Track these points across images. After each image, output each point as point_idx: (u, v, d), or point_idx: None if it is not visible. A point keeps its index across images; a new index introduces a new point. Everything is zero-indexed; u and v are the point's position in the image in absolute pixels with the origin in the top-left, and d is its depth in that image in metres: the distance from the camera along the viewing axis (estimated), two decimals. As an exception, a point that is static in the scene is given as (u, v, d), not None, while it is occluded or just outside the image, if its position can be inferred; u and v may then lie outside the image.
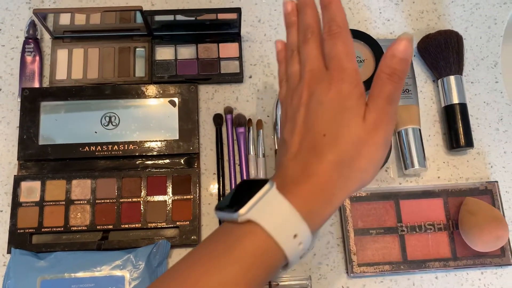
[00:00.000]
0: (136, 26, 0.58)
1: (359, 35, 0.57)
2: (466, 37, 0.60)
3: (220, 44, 0.58)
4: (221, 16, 0.56)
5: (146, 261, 0.49)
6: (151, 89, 0.55)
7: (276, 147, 0.54)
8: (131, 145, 0.53)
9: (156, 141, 0.54)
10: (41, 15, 0.54)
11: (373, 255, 0.51)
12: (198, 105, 0.56)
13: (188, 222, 0.51)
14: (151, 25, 0.56)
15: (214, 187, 0.54)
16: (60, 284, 0.48)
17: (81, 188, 0.52)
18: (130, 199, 0.52)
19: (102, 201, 0.52)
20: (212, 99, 0.57)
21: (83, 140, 0.53)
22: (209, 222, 0.53)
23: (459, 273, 0.52)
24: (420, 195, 0.53)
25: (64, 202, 0.52)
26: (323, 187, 0.33)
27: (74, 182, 0.52)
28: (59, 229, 0.51)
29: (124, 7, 0.59)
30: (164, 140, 0.54)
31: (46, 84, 0.57)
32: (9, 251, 0.50)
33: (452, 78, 0.56)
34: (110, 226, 0.51)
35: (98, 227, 0.51)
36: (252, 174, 0.54)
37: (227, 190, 0.54)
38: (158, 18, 0.55)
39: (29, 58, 0.57)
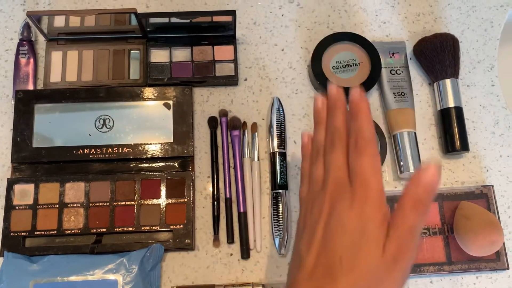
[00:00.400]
0: (131, 29, 0.57)
1: (354, 38, 0.57)
2: (462, 40, 0.60)
3: (215, 47, 0.58)
4: (216, 18, 0.55)
5: (139, 265, 0.48)
6: (146, 92, 0.55)
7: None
8: (125, 148, 0.53)
9: (151, 144, 0.53)
10: (35, 17, 0.53)
11: (368, 259, 0.51)
12: (192, 107, 0.56)
13: (182, 226, 0.51)
14: (145, 27, 0.56)
15: (208, 191, 0.54)
16: (53, 288, 0.47)
17: (74, 191, 0.52)
18: (124, 203, 0.52)
19: (96, 204, 0.52)
20: (207, 101, 0.57)
21: (77, 143, 0.53)
22: (203, 225, 0.53)
23: (454, 277, 0.52)
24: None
25: (57, 205, 0.52)
26: None
27: (68, 185, 0.52)
28: (53, 232, 0.51)
29: (118, 9, 0.59)
30: (159, 143, 0.53)
31: (40, 86, 0.57)
32: (1, 255, 0.49)
33: (448, 81, 0.56)
34: (104, 230, 0.51)
35: (91, 231, 0.51)
36: (247, 178, 0.53)
37: (221, 194, 0.53)
38: (152, 20, 0.55)
39: (23, 60, 0.57)
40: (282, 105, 0.55)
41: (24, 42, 0.57)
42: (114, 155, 0.53)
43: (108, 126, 0.54)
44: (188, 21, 0.55)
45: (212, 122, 0.55)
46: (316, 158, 0.38)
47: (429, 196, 0.32)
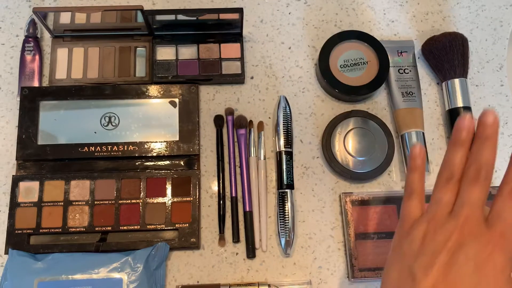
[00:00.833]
0: (137, 26, 0.57)
1: (362, 37, 0.57)
2: (471, 39, 0.59)
3: (222, 45, 0.57)
4: (223, 16, 0.55)
5: (144, 264, 0.48)
6: (152, 89, 0.55)
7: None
8: (130, 146, 0.53)
9: (156, 142, 0.53)
10: (41, 13, 0.53)
11: (375, 260, 0.50)
12: (198, 106, 0.55)
13: (187, 224, 0.51)
14: (152, 24, 0.55)
15: (214, 189, 0.53)
16: (57, 286, 0.47)
17: (79, 189, 0.52)
18: (129, 201, 0.52)
19: (101, 202, 0.51)
20: (213, 100, 0.57)
21: (82, 140, 0.53)
22: (208, 224, 0.52)
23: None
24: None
25: (62, 203, 0.51)
26: None
27: (73, 182, 0.52)
28: (57, 230, 0.50)
29: (125, 6, 0.59)
30: (164, 141, 0.53)
31: (45, 83, 0.56)
32: (6, 252, 0.49)
33: (456, 81, 0.55)
34: (109, 228, 0.51)
35: (96, 229, 0.51)
36: (253, 177, 0.53)
37: (227, 193, 0.53)
38: (159, 17, 0.55)
39: (28, 57, 0.56)
40: (289, 104, 0.55)
41: (30, 39, 0.57)
42: (120, 153, 0.52)
43: (113, 124, 0.54)
44: (195, 18, 0.55)
45: (218, 121, 0.55)
46: (448, 182, 0.36)
47: None
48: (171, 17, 0.55)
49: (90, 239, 0.50)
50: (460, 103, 0.55)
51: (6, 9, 0.59)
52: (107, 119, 0.54)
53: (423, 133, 0.54)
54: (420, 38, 0.59)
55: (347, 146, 0.53)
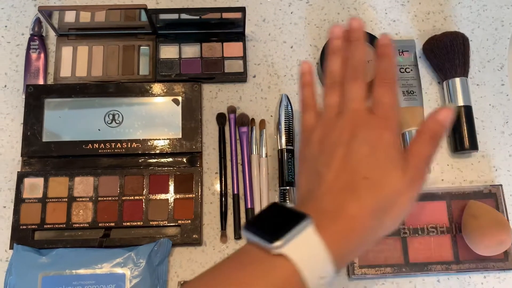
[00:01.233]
0: (141, 24, 0.58)
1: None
2: (473, 38, 0.60)
3: (224, 43, 0.58)
4: (226, 15, 0.56)
5: (147, 259, 0.49)
6: (155, 88, 0.55)
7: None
8: (134, 143, 0.53)
9: (159, 139, 0.54)
10: (46, 12, 0.54)
11: (375, 257, 0.51)
12: (201, 104, 0.56)
13: (189, 221, 0.51)
14: (155, 23, 0.56)
15: (216, 187, 0.54)
16: (61, 281, 0.48)
17: (83, 185, 0.53)
18: (132, 197, 0.52)
19: (104, 198, 0.52)
20: (216, 98, 0.57)
21: (86, 138, 0.53)
22: (210, 221, 0.53)
23: (462, 276, 0.51)
24: (423, 198, 0.53)
25: (66, 199, 0.52)
26: (357, 230, 0.33)
27: (77, 179, 0.53)
28: (61, 225, 0.51)
29: (128, 5, 0.59)
30: (167, 139, 0.54)
31: (50, 81, 0.57)
32: (11, 247, 0.50)
33: (457, 80, 0.55)
34: (112, 224, 0.51)
35: (100, 225, 0.51)
36: (255, 174, 0.54)
37: (229, 190, 0.54)
38: (162, 16, 0.55)
39: (34, 55, 0.57)
40: (291, 102, 0.55)
41: (35, 37, 0.57)
42: (123, 150, 0.53)
43: (117, 121, 0.54)
44: (198, 17, 0.56)
45: (221, 119, 0.56)
46: (332, 87, 0.40)
47: (443, 131, 0.36)
48: (175, 16, 0.56)
49: (93, 235, 0.51)
50: (461, 102, 0.55)
51: (12, 8, 0.60)
52: (111, 116, 0.54)
53: (423, 131, 0.54)
54: (421, 37, 0.60)
55: (348, 144, 0.54)
